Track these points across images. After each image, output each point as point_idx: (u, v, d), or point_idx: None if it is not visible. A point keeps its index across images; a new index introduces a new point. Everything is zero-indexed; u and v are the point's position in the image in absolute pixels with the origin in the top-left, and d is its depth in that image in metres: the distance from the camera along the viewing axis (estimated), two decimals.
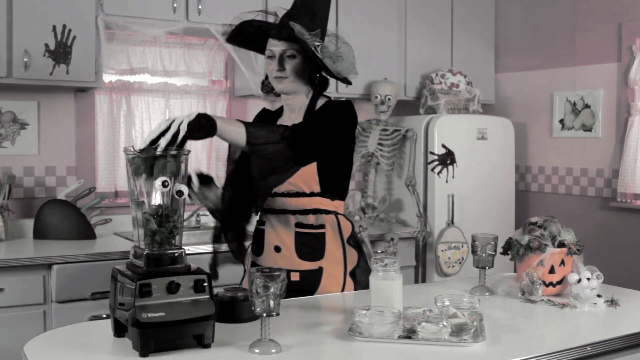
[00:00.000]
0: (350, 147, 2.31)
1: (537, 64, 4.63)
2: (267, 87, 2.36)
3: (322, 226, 2.26)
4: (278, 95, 2.34)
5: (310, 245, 2.25)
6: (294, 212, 2.25)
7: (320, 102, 2.28)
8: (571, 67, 4.43)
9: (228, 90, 4.22)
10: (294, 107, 2.29)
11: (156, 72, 3.99)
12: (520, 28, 4.73)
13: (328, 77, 2.28)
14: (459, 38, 4.66)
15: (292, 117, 2.29)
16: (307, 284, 2.25)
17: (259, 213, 2.34)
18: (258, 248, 2.34)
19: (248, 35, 2.25)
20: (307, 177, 2.23)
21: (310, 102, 2.28)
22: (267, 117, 2.41)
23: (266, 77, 2.35)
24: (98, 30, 3.44)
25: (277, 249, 2.28)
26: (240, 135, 1.88)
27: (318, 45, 2.14)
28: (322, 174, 2.23)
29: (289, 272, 2.22)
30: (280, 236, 2.27)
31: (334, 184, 2.28)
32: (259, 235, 2.34)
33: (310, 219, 2.26)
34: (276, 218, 2.28)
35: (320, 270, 2.26)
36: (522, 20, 4.73)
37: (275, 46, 2.19)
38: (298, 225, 2.26)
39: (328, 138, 2.09)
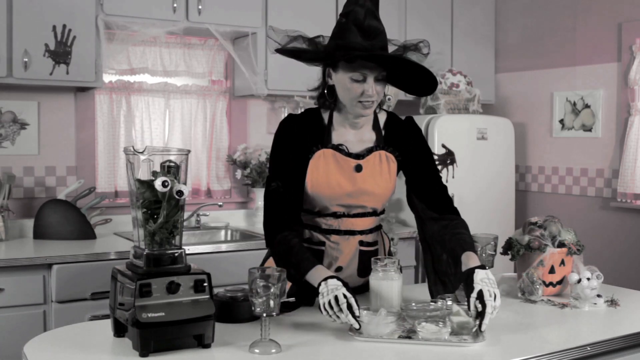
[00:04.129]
0: None
1: (537, 64, 4.63)
2: (326, 103, 2.17)
3: (377, 242, 2.24)
4: (329, 108, 2.17)
5: (369, 262, 2.17)
6: (362, 232, 2.19)
7: (382, 116, 2.23)
8: (571, 67, 4.42)
9: (228, 90, 4.22)
10: (360, 123, 2.16)
11: (156, 72, 3.99)
12: (520, 28, 4.73)
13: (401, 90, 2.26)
14: (459, 38, 4.65)
15: (356, 132, 2.17)
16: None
17: (309, 232, 2.19)
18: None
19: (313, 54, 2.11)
20: (385, 198, 2.20)
21: (375, 116, 2.22)
22: (306, 128, 2.15)
23: (327, 92, 2.14)
24: (98, 30, 3.44)
25: (339, 269, 2.19)
26: None
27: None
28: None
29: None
30: (345, 256, 2.17)
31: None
32: (315, 256, 2.10)
33: (372, 237, 2.22)
34: (341, 238, 2.16)
35: (367, 284, 2.24)
36: (522, 20, 4.73)
37: (370, 70, 2.02)
38: (362, 244, 2.19)
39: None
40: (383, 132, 2.21)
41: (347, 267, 2.19)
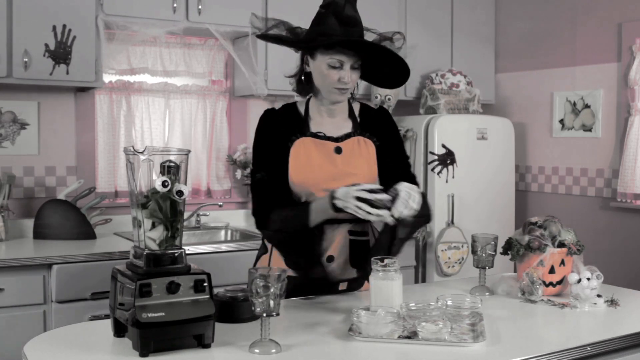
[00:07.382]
0: None
1: (537, 64, 4.63)
2: (304, 89, 2.23)
3: (367, 233, 2.24)
4: (306, 95, 2.24)
5: (362, 253, 2.20)
6: (350, 221, 2.17)
7: (355, 105, 2.29)
8: (571, 67, 4.42)
9: (228, 90, 4.22)
10: (336, 111, 2.22)
11: (156, 72, 3.99)
12: (520, 28, 4.73)
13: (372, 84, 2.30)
14: (459, 38, 4.65)
15: (333, 120, 2.22)
16: (350, 290, 2.27)
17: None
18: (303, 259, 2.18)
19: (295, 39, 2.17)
20: (371, 182, 2.15)
21: (349, 106, 2.27)
22: (284, 120, 2.22)
23: (304, 78, 2.21)
24: (98, 30, 3.44)
25: (330, 259, 2.19)
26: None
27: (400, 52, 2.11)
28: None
29: (338, 282, 2.22)
30: (335, 245, 2.18)
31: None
32: (305, 246, 2.16)
33: (362, 226, 2.21)
34: (329, 227, 2.16)
35: (362, 278, 2.26)
36: (522, 20, 4.72)
37: (347, 56, 2.09)
38: (352, 233, 2.19)
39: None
40: (359, 120, 2.27)
41: (338, 256, 2.20)
